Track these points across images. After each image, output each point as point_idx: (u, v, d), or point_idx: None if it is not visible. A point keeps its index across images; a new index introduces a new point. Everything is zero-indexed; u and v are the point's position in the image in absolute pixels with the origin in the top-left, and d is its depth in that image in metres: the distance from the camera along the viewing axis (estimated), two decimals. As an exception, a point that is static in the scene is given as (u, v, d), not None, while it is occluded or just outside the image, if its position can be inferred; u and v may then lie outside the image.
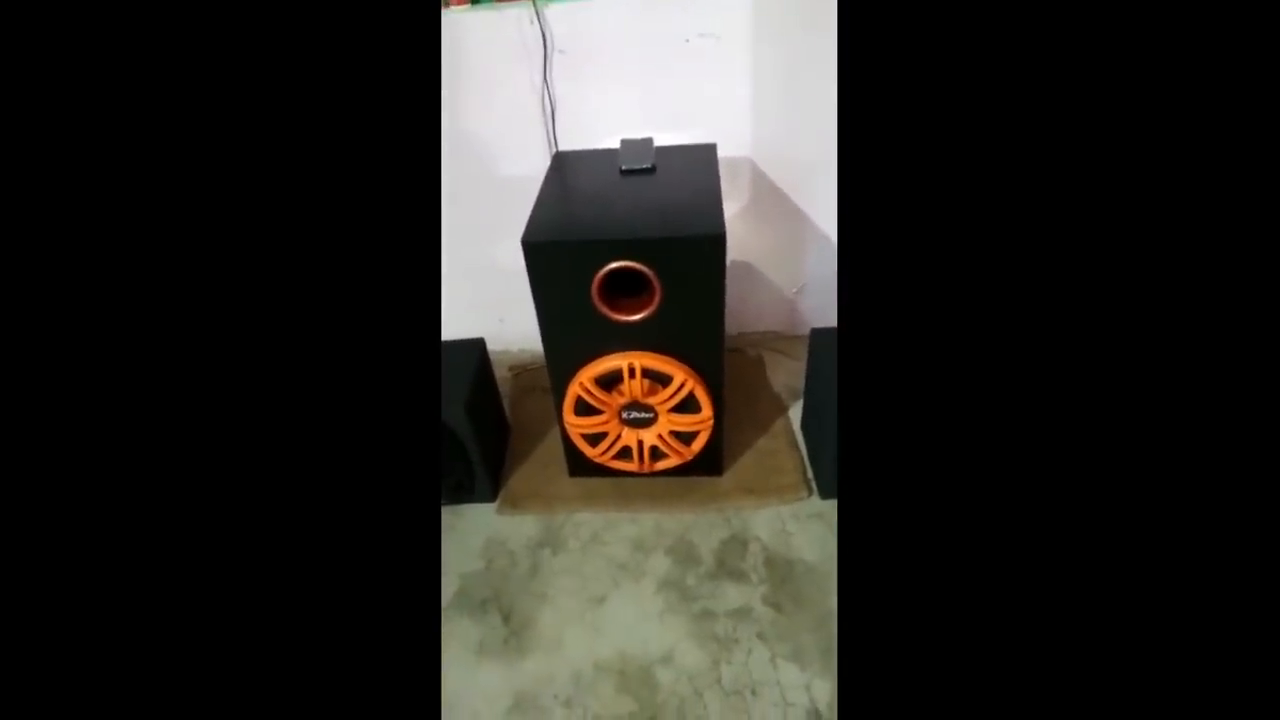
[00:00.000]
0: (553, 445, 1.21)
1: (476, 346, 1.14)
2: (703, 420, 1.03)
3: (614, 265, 0.89)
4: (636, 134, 1.15)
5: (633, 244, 0.88)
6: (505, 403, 1.30)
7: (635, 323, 0.94)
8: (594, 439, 1.08)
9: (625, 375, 0.99)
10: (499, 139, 1.22)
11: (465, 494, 1.12)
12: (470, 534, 1.09)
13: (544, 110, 1.18)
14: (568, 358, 1.00)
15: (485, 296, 1.41)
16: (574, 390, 1.02)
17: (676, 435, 1.06)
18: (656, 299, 0.92)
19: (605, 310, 0.93)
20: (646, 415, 1.05)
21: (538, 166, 1.22)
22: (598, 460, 1.10)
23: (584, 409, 1.04)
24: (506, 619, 0.96)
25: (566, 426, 1.07)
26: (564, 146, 1.21)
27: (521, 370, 1.41)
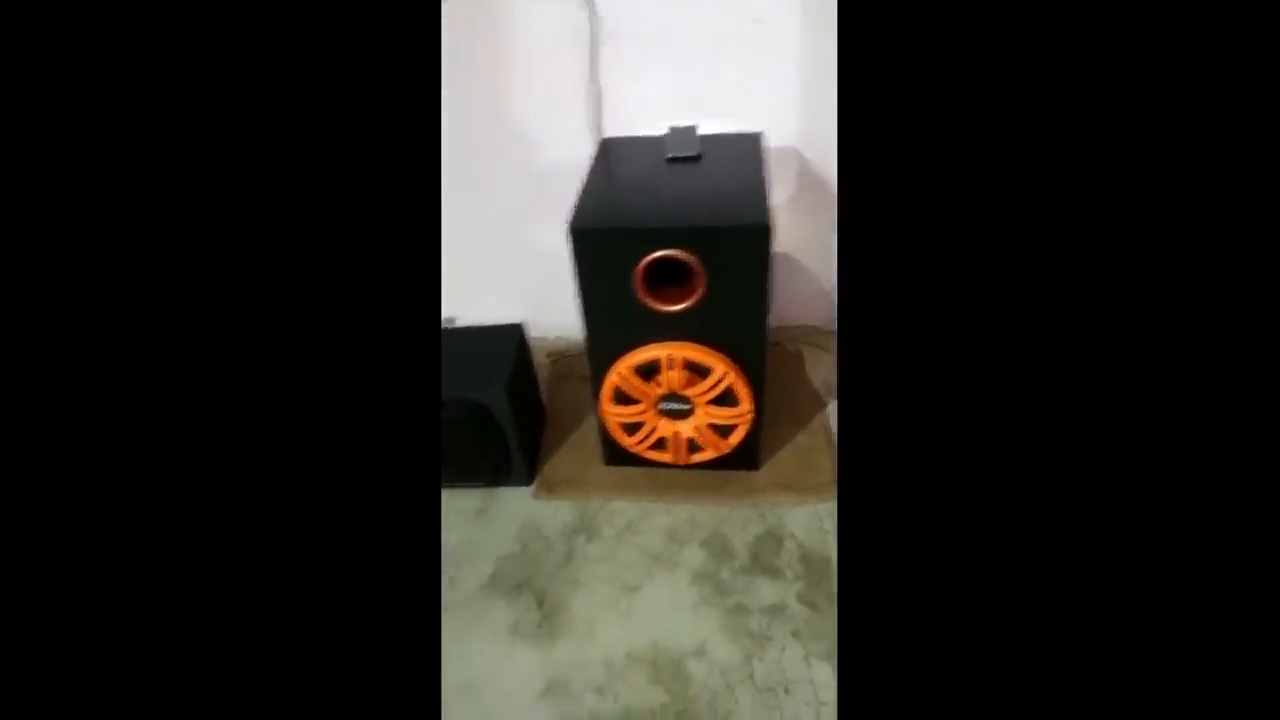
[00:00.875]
0: (589, 433, 1.21)
1: (516, 331, 1.15)
2: (741, 414, 1.02)
3: (658, 254, 0.88)
4: (682, 121, 1.14)
5: (678, 232, 0.87)
6: (542, 389, 1.31)
7: (676, 313, 0.93)
8: (631, 428, 1.07)
9: (664, 366, 0.98)
10: (543, 124, 1.21)
11: (502, 477, 1.13)
12: (506, 517, 1.10)
13: (589, 95, 1.17)
14: (608, 346, 0.99)
15: (525, 283, 1.41)
16: (613, 379, 1.01)
17: (714, 428, 1.05)
18: (699, 289, 0.90)
19: (647, 299, 0.93)
20: (684, 407, 1.04)
21: (580, 153, 1.21)
22: (634, 450, 1.10)
23: (622, 398, 1.03)
24: (540, 603, 0.97)
25: (604, 415, 1.07)
26: (608, 133, 1.20)
27: (559, 357, 1.41)
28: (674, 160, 1.03)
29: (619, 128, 1.19)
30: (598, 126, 1.19)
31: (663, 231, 0.87)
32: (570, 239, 0.89)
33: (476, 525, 1.09)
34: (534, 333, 1.31)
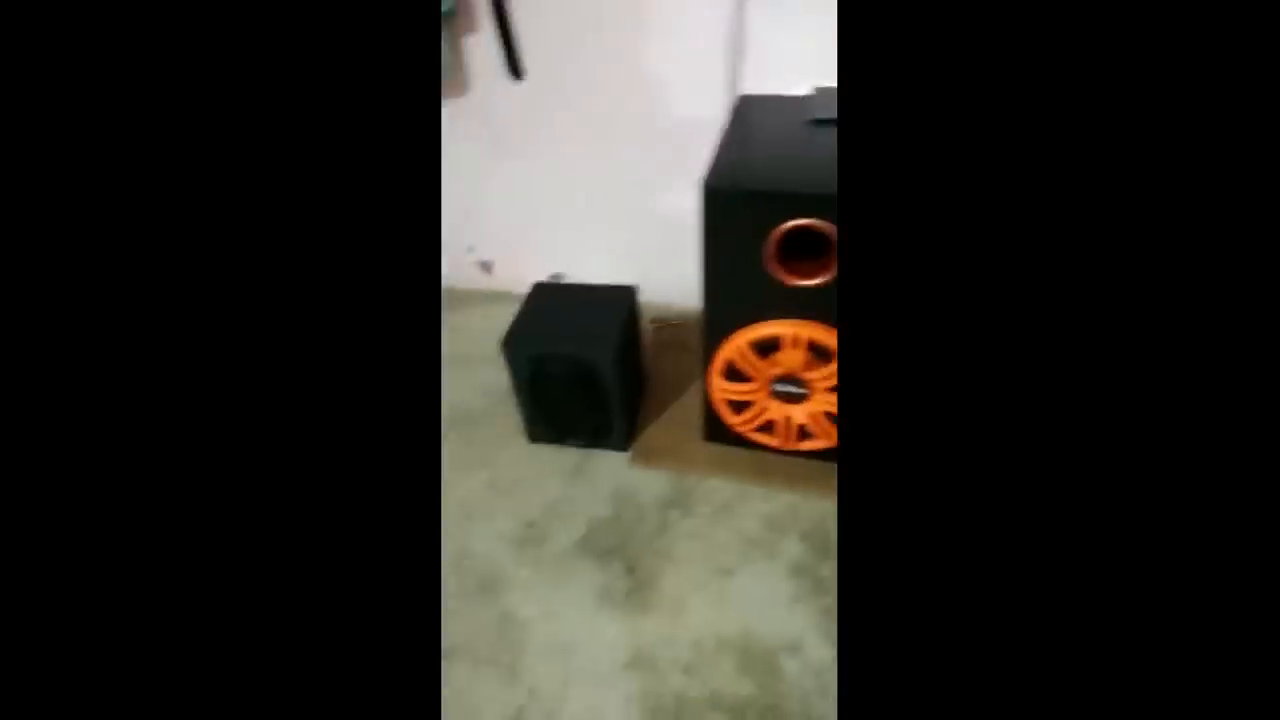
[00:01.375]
0: (690, 405, 1.17)
1: (628, 294, 1.11)
2: (863, 404, 0.94)
3: (796, 222, 0.81)
4: (825, 82, 1.04)
5: (822, 200, 0.79)
6: (644, 355, 1.28)
7: (808, 289, 0.86)
8: (738, 406, 1.02)
9: (786, 344, 0.91)
10: (675, 76, 1.15)
11: (600, 439, 1.11)
12: (601, 480, 1.08)
13: (730, 47, 1.09)
14: (726, 317, 0.94)
15: (635, 244, 1.37)
16: (727, 352, 0.96)
17: (831, 417, 0.98)
18: (836, 264, 0.83)
19: (777, 271, 0.86)
20: (800, 390, 0.98)
21: (712, 110, 1.14)
22: (738, 429, 1.05)
23: (734, 374, 0.98)
24: (630, 572, 0.95)
25: (712, 389, 1.02)
26: (746, 90, 1.12)
27: (664, 325, 1.37)
28: (818, 123, 0.95)
29: (757, 85, 1.11)
30: (735, 82, 1.12)
31: (805, 198, 0.80)
32: (702, 199, 0.84)
33: (571, 484, 1.08)
34: (640, 297, 1.28)
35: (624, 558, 0.97)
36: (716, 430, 1.08)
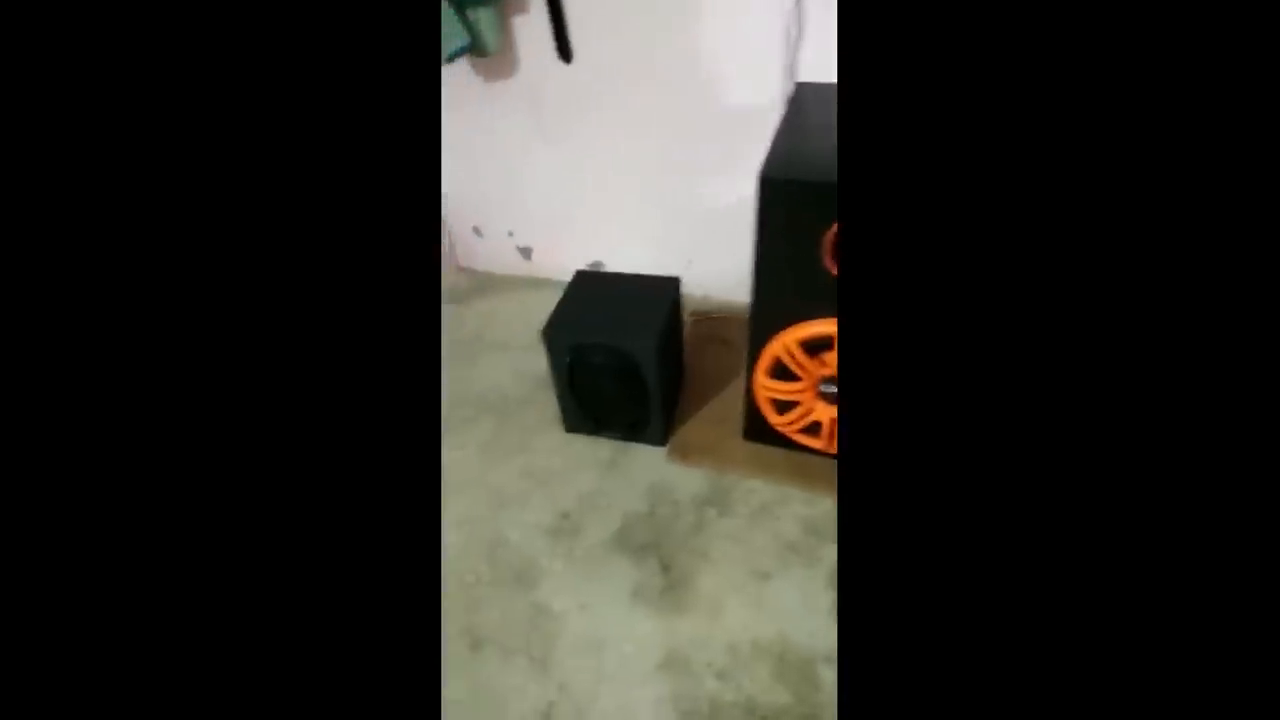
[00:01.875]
0: (729, 402, 1.14)
1: (672, 285, 1.09)
2: (914, 409, 0.90)
3: (857, 217, 0.77)
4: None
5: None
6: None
7: (864, 287, 0.82)
8: (783, 406, 0.99)
9: (837, 344, 0.88)
10: (728, 61, 1.11)
11: (638, 433, 1.09)
12: (637, 474, 1.06)
13: (787, 34, 1.05)
14: (776, 313, 0.91)
15: (678, 234, 1.34)
16: (774, 349, 0.93)
17: (879, 420, 0.94)
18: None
19: (833, 267, 0.82)
20: (848, 391, 0.94)
21: (765, 99, 1.11)
22: (781, 429, 1.02)
23: (781, 372, 0.95)
24: (665, 570, 0.93)
25: (755, 386, 0.99)
26: (803, 77, 1.08)
27: (704, 318, 1.34)
28: (881, 113, 0.90)
29: (815, 73, 1.07)
30: (792, 69, 1.07)
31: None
32: (758, 189, 0.81)
33: (607, 476, 1.07)
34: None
35: (659, 555, 0.95)
36: (757, 429, 1.05)
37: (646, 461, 1.08)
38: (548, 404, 1.16)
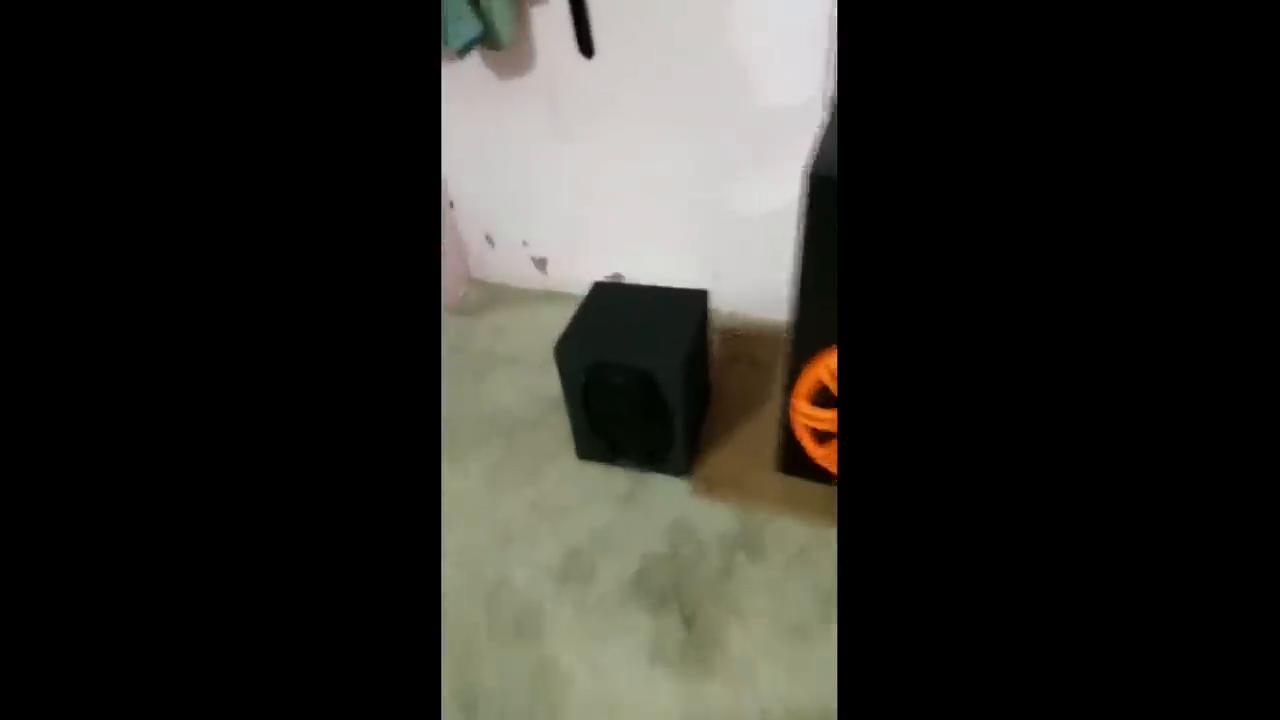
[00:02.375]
0: (761, 429, 1.03)
1: (699, 299, 0.98)
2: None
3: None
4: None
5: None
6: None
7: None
8: (824, 436, 0.88)
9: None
10: (766, 59, 1.01)
11: (658, 462, 0.98)
12: (657, 509, 0.95)
13: (831, 28, 0.95)
14: (820, 332, 0.80)
15: (706, 245, 1.24)
16: (817, 372, 0.82)
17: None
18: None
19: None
20: (901, 422, 0.83)
21: (802, 98, 1.01)
22: (821, 462, 0.90)
23: (823, 398, 0.84)
24: (688, 623, 0.81)
25: (793, 413, 0.88)
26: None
27: (731, 335, 1.24)
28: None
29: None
30: (834, 64, 0.97)
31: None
32: (806, 188, 0.70)
33: (624, 511, 0.95)
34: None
35: (681, 605, 0.83)
36: (794, 461, 0.94)
37: (667, 495, 0.97)
38: (560, 427, 1.05)
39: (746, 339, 1.22)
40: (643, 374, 0.89)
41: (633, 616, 0.82)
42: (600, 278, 1.26)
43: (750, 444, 1.02)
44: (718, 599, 0.83)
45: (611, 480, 1.00)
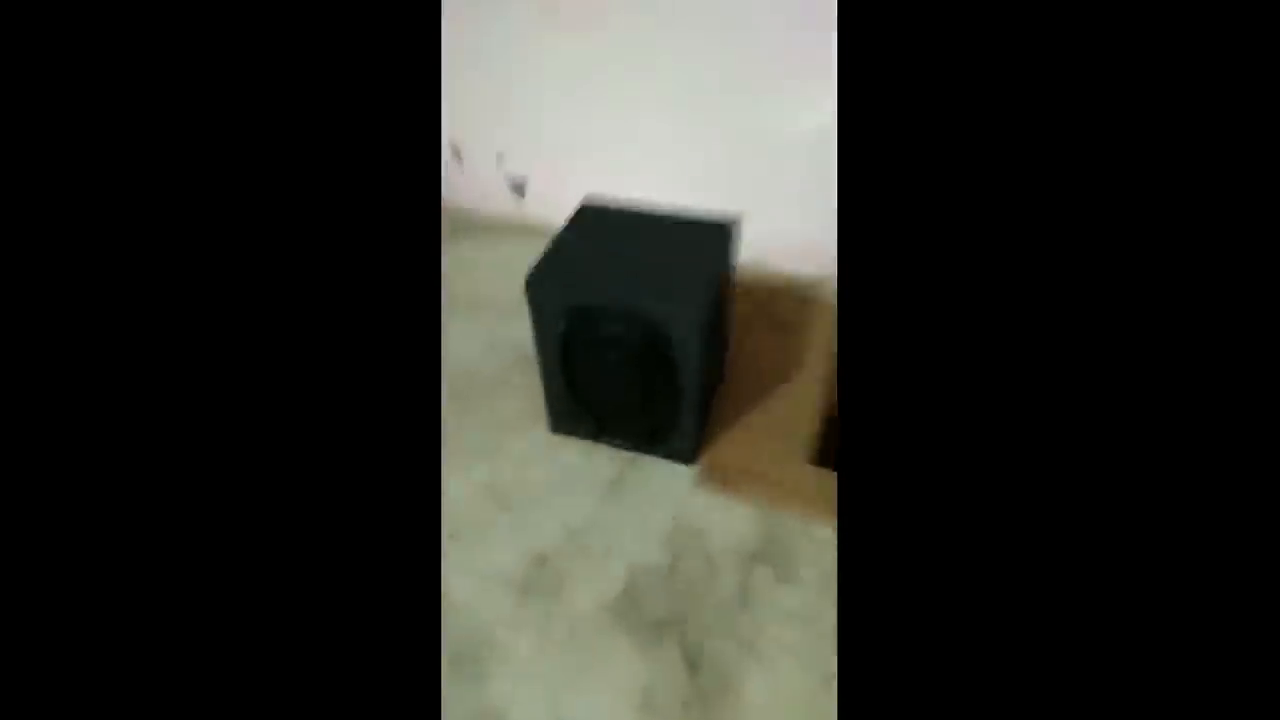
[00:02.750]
0: (789, 409, 0.80)
1: (725, 234, 0.75)
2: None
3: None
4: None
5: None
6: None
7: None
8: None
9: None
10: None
11: (657, 443, 0.75)
12: (653, 504, 0.73)
13: None
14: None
15: (729, 175, 1.00)
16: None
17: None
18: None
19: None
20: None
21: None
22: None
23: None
24: (693, 666, 0.59)
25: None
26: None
27: (748, 290, 1.00)
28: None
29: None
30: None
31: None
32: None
33: (608, 503, 0.73)
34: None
35: (683, 641, 0.61)
36: (834, 451, 0.72)
37: (666, 485, 0.75)
38: (530, 390, 0.82)
39: (771, 295, 0.99)
40: (648, 325, 0.66)
41: (616, 652, 0.60)
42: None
43: (776, 426, 0.79)
44: (732, 633, 0.62)
45: (594, 461, 0.77)
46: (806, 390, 0.82)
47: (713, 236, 0.74)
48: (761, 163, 0.97)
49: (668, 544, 0.69)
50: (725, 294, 0.76)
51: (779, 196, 0.98)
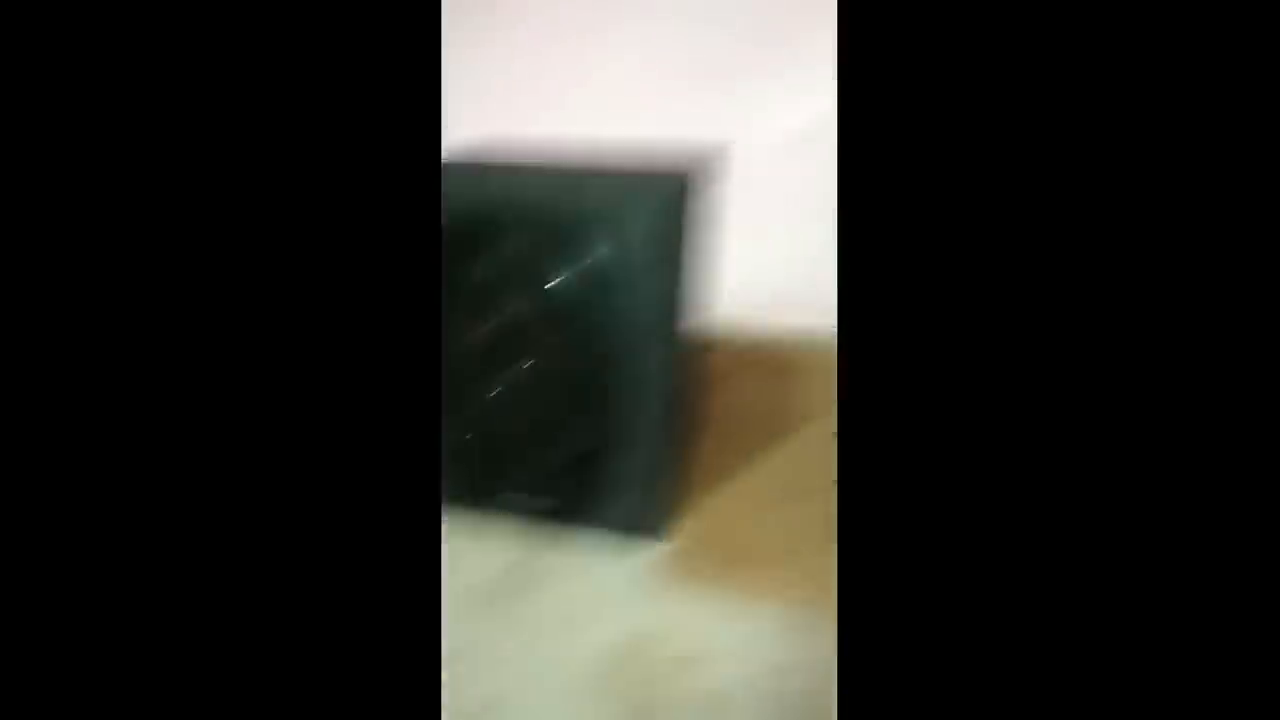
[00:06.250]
0: (795, 469, 0.52)
1: (674, 184, 0.51)
2: None
3: None
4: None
5: None
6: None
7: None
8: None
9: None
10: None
11: (590, 502, 0.43)
12: (586, 615, 0.38)
13: None
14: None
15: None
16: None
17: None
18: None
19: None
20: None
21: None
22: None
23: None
24: None
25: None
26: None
27: (718, 350, 0.75)
28: None
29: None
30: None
31: None
32: None
33: (496, 623, 0.38)
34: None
35: None
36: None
37: (605, 582, 0.41)
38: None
39: (758, 347, 0.74)
40: (572, 237, 0.39)
41: None
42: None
43: (779, 490, 0.49)
44: None
45: (480, 547, 0.43)
46: (819, 446, 0.54)
47: (653, 188, 0.50)
48: (733, 181, 0.79)
49: (609, 700, 0.33)
50: (686, 273, 0.51)
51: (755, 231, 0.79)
